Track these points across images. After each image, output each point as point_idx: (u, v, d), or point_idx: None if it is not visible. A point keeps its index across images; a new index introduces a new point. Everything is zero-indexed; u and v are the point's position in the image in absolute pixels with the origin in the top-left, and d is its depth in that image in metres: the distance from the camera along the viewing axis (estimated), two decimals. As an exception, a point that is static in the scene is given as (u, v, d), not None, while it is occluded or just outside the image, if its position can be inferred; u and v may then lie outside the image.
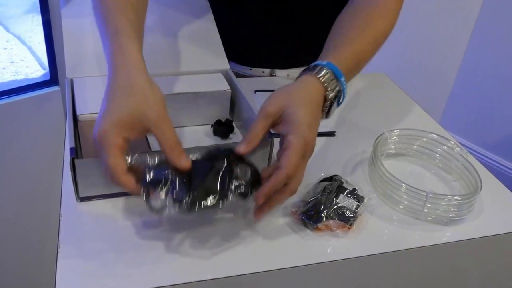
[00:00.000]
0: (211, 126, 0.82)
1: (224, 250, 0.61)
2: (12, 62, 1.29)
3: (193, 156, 0.61)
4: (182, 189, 0.57)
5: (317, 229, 0.65)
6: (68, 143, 0.66)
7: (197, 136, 0.81)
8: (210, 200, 0.57)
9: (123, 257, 0.59)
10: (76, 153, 0.63)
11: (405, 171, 0.78)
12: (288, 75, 1.05)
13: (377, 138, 0.78)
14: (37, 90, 1.24)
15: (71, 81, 0.80)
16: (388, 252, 0.64)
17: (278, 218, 0.66)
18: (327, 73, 0.65)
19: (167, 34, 0.89)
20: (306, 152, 0.60)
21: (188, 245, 0.61)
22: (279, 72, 1.05)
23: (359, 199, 0.68)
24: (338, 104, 0.68)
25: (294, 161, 0.58)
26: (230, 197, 0.58)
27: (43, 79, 1.26)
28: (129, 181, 0.58)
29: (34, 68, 1.29)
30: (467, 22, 2.15)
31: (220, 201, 0.57)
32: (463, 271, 0.73)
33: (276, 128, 0.63)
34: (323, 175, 0.73)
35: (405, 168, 0.79)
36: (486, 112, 2.23)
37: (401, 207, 0.70)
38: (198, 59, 0.87)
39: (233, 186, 0.58)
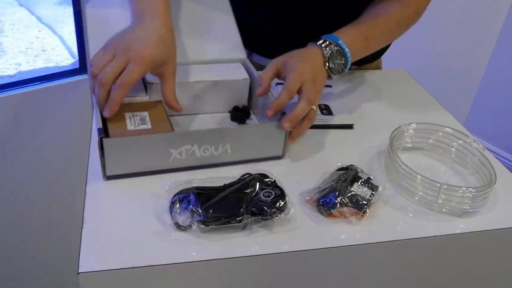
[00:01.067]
0: (229, 112, 0.85)
1: (243, 232, 0.63)
2: (43, 51, 1.34)
3: (224, 182, 0.67)
4: (206, 207, 0.62)
5: (331, 215, 0.66)
6: (96, 124, 0.69)
7: (215, 122, 0.84)
8: (231, 220, 0.62)
9: (146, 235, 0.61)
10: (103, 132, 0.67)
11: (420, 164, 0.79)
12: None
13: (393, 131, 0.79)
14: (66, 77, 1.28)
15: None
16: (401, 240, 0.65)
17: (294, 204, 0.68)
18: (325, 41, 0.82)
19: (186, 26, 0.92)
20: (307, 77, 0.75)
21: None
22: None
23: (373, 187, 0.69)
24: (347, 66, 0.83)
25: (292, 80, 0.74)
26: (250, 217, 0.63)
27: (72, 67, 1.31)
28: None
29: (64, 56, 1.34)
30: (494, 26, 2.13)
31: (241, 221, 0.62)
32: (475, 262, 0.73)
33: (280, 78, 0.79)
34: (339, 165, 0.74)
35: (421, 162, 0.80)
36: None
37: (415, 198, 0.71)
38: (215, 48, 0.89)
39: (254, 208, 0.63)
